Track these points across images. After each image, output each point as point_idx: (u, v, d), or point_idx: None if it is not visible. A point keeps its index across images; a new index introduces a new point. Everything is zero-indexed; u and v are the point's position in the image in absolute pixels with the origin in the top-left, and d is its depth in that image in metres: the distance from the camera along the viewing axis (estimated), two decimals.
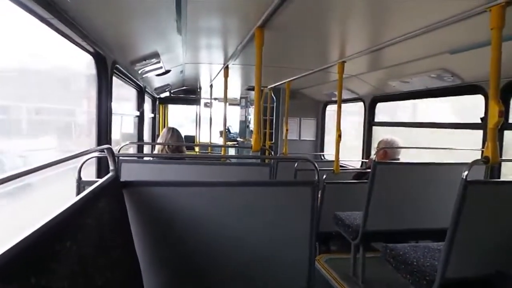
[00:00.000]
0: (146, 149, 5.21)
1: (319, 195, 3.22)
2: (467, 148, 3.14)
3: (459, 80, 2.88)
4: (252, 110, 7.92)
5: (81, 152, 1.17)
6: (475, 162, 1.69)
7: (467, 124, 3.14)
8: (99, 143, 2.39)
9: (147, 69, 3.14)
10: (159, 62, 3.02)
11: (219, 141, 8.56)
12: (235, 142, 8.22)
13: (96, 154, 1.63)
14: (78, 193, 1.64)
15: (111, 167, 1.45)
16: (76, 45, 1.97)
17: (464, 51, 2.33)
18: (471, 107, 3.29)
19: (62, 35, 1.72)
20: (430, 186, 2.70)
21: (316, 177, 1.68)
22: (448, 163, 2.76)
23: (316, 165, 1.71)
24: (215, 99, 7.04)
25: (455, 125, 3.31)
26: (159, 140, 3.07)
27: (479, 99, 2.90)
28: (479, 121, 2.87)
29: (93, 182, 1.51)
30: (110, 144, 2.21)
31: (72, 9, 1.49)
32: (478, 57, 2.34)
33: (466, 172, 1.71)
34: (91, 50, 2.16)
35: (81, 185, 1.66)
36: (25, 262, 0.67)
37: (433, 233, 2.71)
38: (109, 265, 1.13)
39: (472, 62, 2.55)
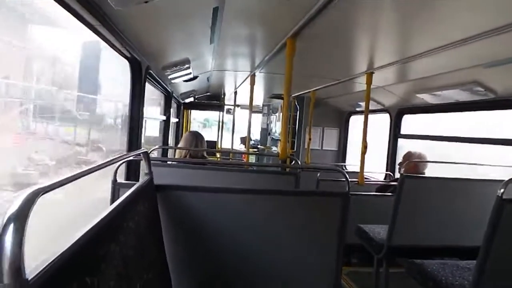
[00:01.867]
0: (170, 153, 5.30)
1: None
2: (497, 164, 3.04)
3: (492, 94, 2.80)
4: (274, 118, 7.93)
5: (118, 157, 1.21)
6: None
7: (500, 140, 3.05)
8: (130, 147, 2.45)
9: (176, 75, 3.20)
10: (188, 68, 3.08)
11: (240, 148, 8.60)
12: (256, 150, 8.24)
13: (131, 157, 1.68)
14: (113, 195, 1.69)
15: (146, 171, 1.49)
16: (115, 50, 2.05)
17: (500, 65, 2.27)
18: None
19: (104, 41, 1.80)
20: (460, 202, 2.63)
21: (347, 188, 1.67)
22: (480, 179, 2.68)
23: (347, 175, 1.69)
24: (238, 105, 7.09)
25: (488, 140, 3.22)
26: (180, 144, 3.13)
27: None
28: None
29: (127, 185, 1.56)
30: (141, 148, 2.26)
31: (116, 17, 1.55)
32: None
33: (502, 190, 1.66)
34: (128, 55, 2.23)
35: (116, 187, 1.71)
36: (80, 262, 0.70)
37: (462, 251, 2.63)
38: (146, 266, 1.16)
39: (507, 75, 2.48)
